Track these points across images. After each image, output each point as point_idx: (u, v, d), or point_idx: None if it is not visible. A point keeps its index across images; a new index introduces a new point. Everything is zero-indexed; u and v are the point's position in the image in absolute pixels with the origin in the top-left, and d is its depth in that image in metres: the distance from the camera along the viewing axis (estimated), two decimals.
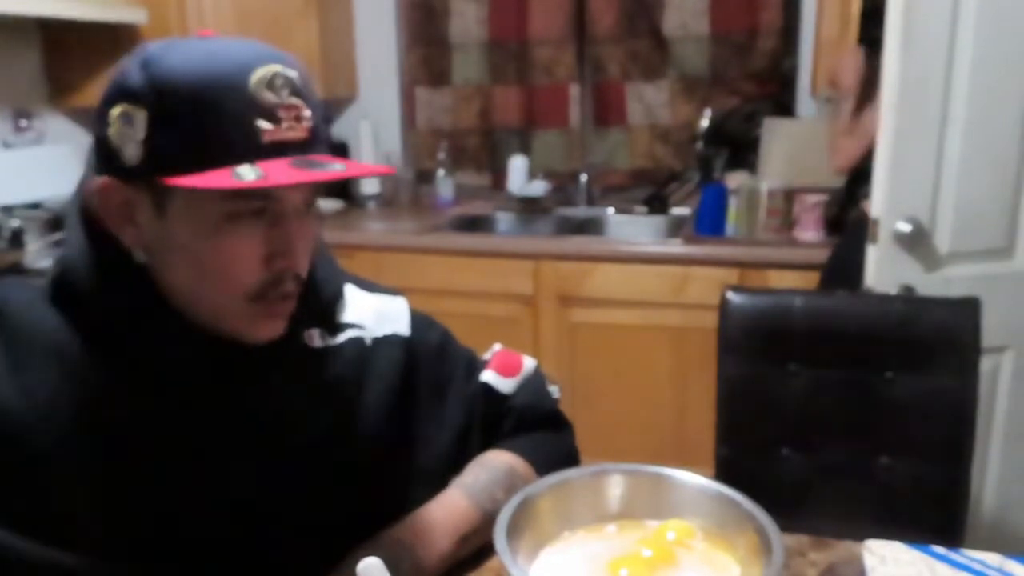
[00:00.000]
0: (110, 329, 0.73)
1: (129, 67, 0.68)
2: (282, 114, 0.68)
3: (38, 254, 2.19)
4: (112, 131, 0.68)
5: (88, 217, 0.74)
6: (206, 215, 0.69)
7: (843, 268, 1.90)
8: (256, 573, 0.76)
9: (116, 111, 0.67)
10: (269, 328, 0.76)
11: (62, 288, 0.74)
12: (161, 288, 0.74)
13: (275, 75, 0.68)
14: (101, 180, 0.69)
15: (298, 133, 0.69)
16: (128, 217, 0.71)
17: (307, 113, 0.70)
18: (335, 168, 0.69)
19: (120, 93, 0.68)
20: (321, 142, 0.72)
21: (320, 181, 0.68)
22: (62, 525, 0.69)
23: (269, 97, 0.68)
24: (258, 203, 0.70)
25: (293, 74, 0.70)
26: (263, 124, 0.67)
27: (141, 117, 0.66)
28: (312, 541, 0.78)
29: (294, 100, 0.69)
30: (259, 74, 0.67)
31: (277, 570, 0.77)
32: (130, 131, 0.67)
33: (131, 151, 0.67)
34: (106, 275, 0.73)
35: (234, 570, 0.75)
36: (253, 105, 0.67)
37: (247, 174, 0.65)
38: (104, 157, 0.70)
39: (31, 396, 0.70)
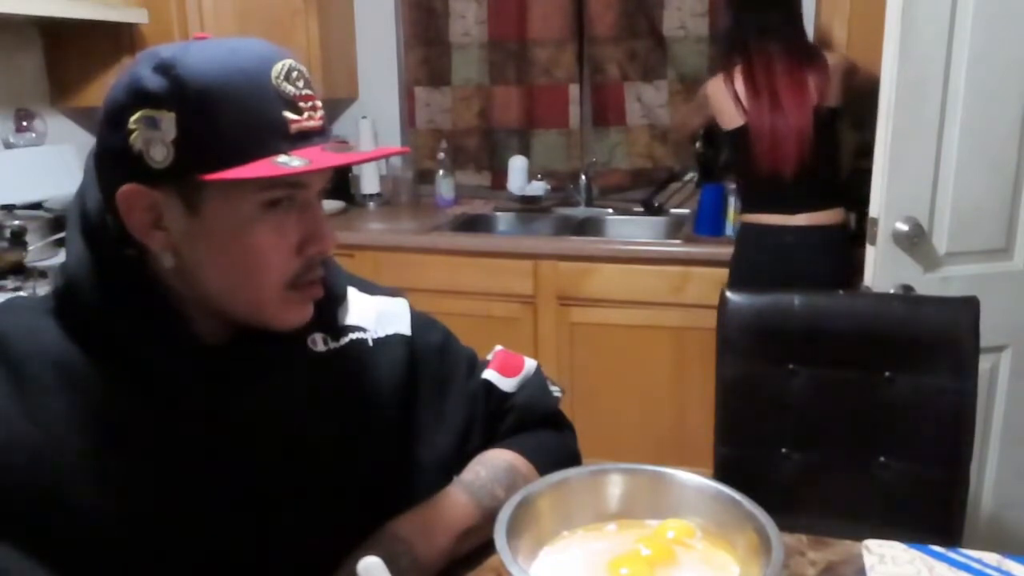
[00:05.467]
0: (115, 339, 0.73)
1: (142, 73, 0.68)
2: (302, 104, 0.71)
3: (39, 254, 2.19)
4: (134, 137, 0.67)
5: (87, 226, 0.74)
6: (242, 208, 0.70)
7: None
8: (260, 573, 0.76)
9: (136, 116, 0.67)
10: (301, 314, 0.78)
11: (65, 300, 0.75)
12: (169, 296, 0.74)
13: (291, 68, 0.71)
14: (125, 188, 0.69)
15: (316, 122, 0.72)
16: (154, 222, 0.71)
17: (319, 103, 0.73)
18: (363, 150, 0.70)
19: (138, 98, 0.67)
20: (331, 130, 0.73)
21: (358, 162, 0.74)
22: (78, 538, 0.69)
23: (289, 89, 0.70)
24: (290, 191, 0.71)
25: (303, 67, 0.73)
26: (289, 115, 0.70)
27: (169, 118, 0.66)
28: (315, 541, 0.78)
29: (308, 91, 0.72)
30: (277, 67, 0.70)
31: (280, 570, 0.77)
32: (156, 134, 0.67)
33: (159, 153, 0.67)
34: (108, 286, 0.73)
35: (238, 570, 0.75)
36: (278, 97, 0.69)
37: (290, 161, 0.67)
38: (123, 165, 0.69)
39: (41, 421, 0.70)
